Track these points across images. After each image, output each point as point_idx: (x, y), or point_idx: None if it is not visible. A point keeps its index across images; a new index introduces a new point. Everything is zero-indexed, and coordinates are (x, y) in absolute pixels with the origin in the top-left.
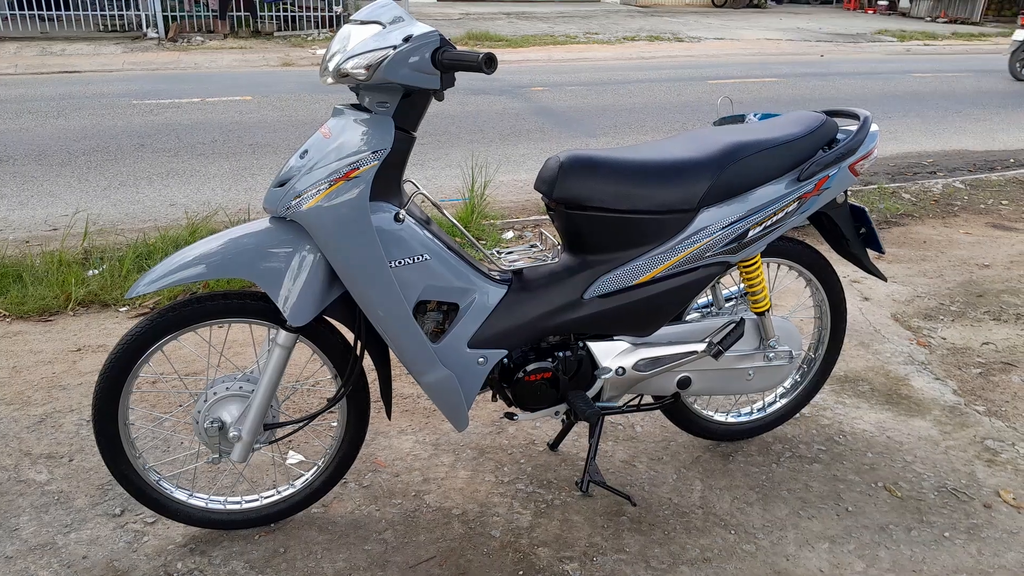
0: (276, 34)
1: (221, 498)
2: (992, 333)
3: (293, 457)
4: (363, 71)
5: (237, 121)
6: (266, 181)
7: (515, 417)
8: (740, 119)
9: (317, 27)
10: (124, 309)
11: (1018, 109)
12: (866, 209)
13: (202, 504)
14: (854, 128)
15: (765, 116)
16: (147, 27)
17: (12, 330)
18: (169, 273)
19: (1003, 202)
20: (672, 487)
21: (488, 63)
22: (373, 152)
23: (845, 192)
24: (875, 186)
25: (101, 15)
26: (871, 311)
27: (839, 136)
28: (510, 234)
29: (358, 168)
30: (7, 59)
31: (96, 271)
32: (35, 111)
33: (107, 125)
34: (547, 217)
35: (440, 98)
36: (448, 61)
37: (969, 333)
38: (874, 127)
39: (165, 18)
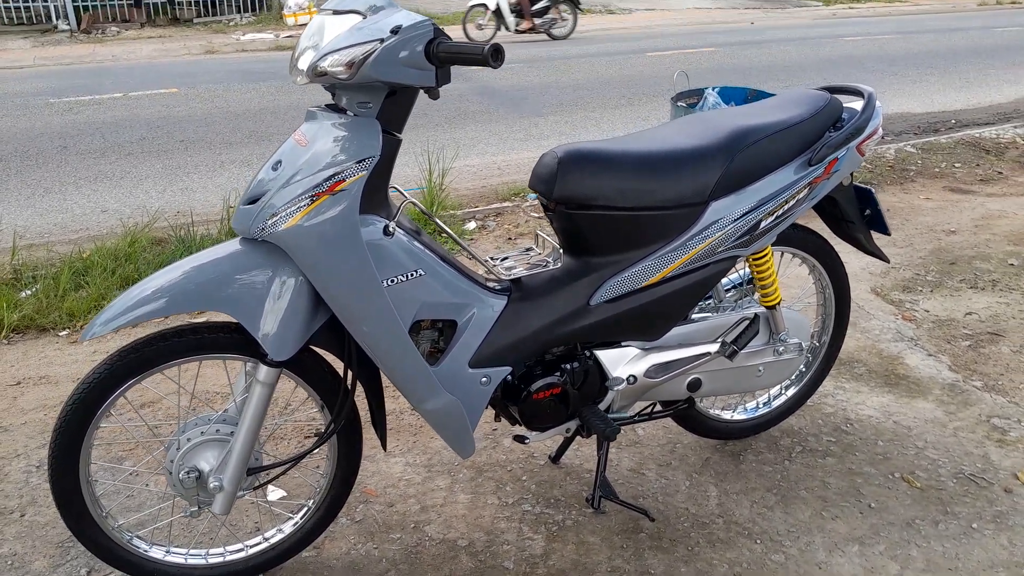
0: (196, 20)
1: (202, 551)
2: (972, 302)
3: (274, 493)
4: (343, 69)
5: (164, 115)
6: (202, 180)
7: (526, 440)
8: (699, 93)
9: (239, 11)
10: (64, 333)
11: (949, 70)
12: (872, 189)
13: (181, 560)
14: (856, 105)
15: (724, 90)
16: (57, 19)
17: None
18: (128, 309)
19: (956, 164)
20: (687, 495)
21: (495, 56)
22: (358, 161)
23: (851, 173)
24: None
25: (4, 7)
26: (851, 287)
27: (843, 115)
28: (472, 224)
29: (343, 180)
30: None
31: (29, 292)
32: None
33: (24, 127)
34: (508, 204)
35: (435, 96)
36: (445, 55)
37: (950, 304)
38: (878, 103)
39: (76, 8)
